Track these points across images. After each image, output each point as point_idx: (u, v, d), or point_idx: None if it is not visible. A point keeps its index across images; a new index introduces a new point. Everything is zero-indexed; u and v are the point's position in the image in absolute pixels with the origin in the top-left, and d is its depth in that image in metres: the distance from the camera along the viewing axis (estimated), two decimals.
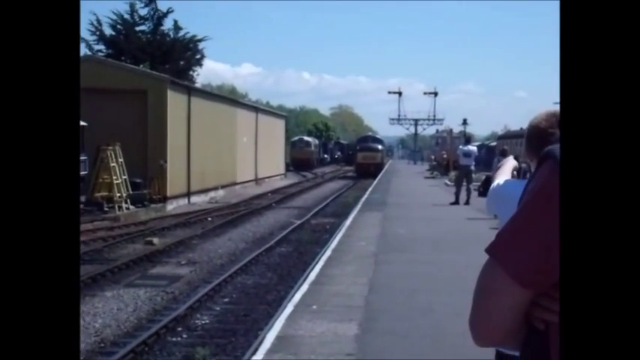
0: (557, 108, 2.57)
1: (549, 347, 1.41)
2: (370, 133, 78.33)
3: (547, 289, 1.40)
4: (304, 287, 9.82)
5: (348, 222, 18.67)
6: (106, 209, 24.22)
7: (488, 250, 1.45)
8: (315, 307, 8.58)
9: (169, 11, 46.95)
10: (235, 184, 40.58)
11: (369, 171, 53.31)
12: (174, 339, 10.14)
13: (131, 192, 25.71)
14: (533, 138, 2.74)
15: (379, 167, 56.19)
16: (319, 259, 12.57)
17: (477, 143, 62.31)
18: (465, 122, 51.57)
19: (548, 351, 1.41)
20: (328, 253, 13.06)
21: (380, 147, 59.84)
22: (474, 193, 23.79)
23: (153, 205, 27.15)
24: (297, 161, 70.47)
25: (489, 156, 59.64)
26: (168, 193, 29.24)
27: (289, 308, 8.51)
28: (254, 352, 6.73)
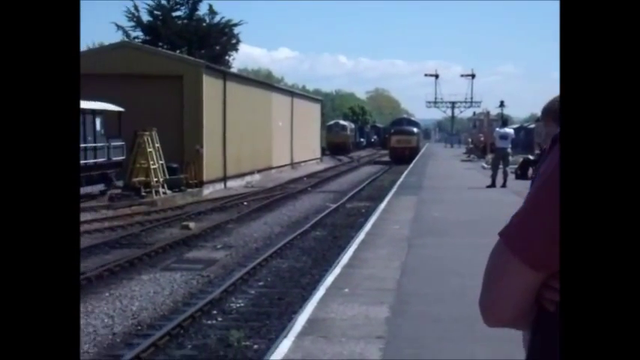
0: None
1: (559, 328, 1.41)
2: (405, 116, 77.11)
3: (558, 272, 1.40)
4: (337, 270, 9.85)
5: (382, 205, 18.64)
6: (143, 194, 24.51)
7: (501, 233, 1.45)
8: (347, 290, 8.60)
9: None
10: (271, 168, 40.76)
11: (403, 155, 50.52)
12: (209, 322, 10.26)
13: (168, 177, 25.97)
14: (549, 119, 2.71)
15: (415, 151, 52.91)
16: (353, 242, 12.58)
17: (515, 125, 61.70)
18: (502, 104, 51.01)
19: (557, 332, 1.41)
20: (362, 236, 13.07)
21: (415, 130, 56.44)
22: (511, 176, 23.64)
23: (189, 190, 27.41)
24: (333, 145, 70.43)
25: (528, 138, 59.02)
26: (205, 178, 29.49)
27: (321, 291, 8.55)
28: (285, 336, 6.78)
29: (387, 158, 55.77)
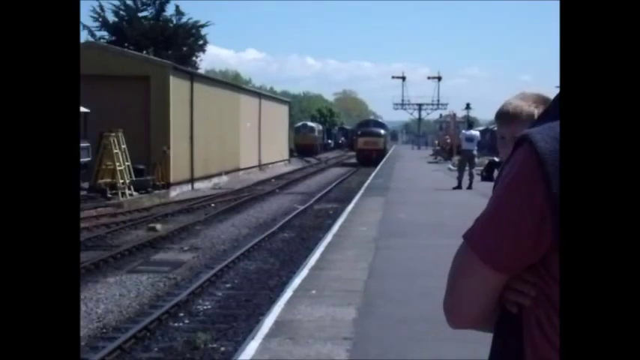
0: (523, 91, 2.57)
1: (522, 330, 1.43)
2: (372, 117, 76.75)
3: (520, 273, 1.42)
4: (304, 272, 9.86)
5: (350, 207, 18.69)
6: (109, 196, 24.27)
7: (464, 235, 1.47)
8: (314, 291, 8.62)
9: None
10: (239, 169, 40.62)
11: (370, 157, 49.74)
12: (175, 324, 10.20)
13: (134, 178, 25.74)
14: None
15: (382, 153, 52.30)
16: (320, 244, 12.60)
17: (480, 128, 62.20)
18: (468, 107, 51.45)
19: (520, 333, 1.43)
20: (329, 238, 13.09)
21: (382, 131, 55.60)
22: (477, 178, 23.84)
23: (156, 192, 27.20)
24: (301, 147, 70.46)
25: (493, 140, 59.55)
26: (172, 180, 29.29)
27: (288, 293, 8.56)
28: (252, 338, 6.76)
29: (354, 160, 55.21)
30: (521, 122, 2.33)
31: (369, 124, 58.35)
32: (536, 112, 2.33)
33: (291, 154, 62.52)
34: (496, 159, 28.32)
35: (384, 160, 48.01)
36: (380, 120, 66.21)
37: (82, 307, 10.95)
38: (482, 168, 26.94)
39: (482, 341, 1.58)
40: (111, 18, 45.26)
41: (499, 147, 2.61)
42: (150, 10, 46.59)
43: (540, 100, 2.39)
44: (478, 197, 18.01)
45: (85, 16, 46.99)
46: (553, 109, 1.44)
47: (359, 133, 55.74)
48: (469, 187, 22.12)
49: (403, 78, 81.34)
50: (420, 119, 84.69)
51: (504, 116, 2.51)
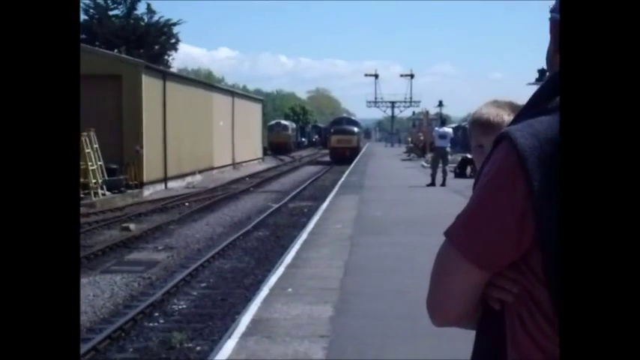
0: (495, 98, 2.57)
1: (504, 327, 1.44)
2: (345, 115, 76.66)
3: (503, 270, 1.43)
4: (280, 270, 9.86)
5: (324, 205, 18.72)
6: (81, 195, 24.04)
7: (446, 233, 1.47)
8: (290, 290, 8.62)
9: None
10: (212, 168, 40.48)
11: (344, 156, 49.20)
12: (150, 324, 10.14)
13: (107, 178, 25.54)
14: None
15: (355, 151, 51.78)
16: (296, 242, 12.60)
17: (453, 125, 62.51)
18: (440, 104, 51.71)
19: (503, 330, 1.44)
20: (305, 236, 13.10)
21: (356, 129, 55.20)
22: (450, 175, 23.99)
23: (129, 191, 27.01)
24: (275, 145, 70.39)
25: (465, 137, 59.93)
26: (145, 179, 29.10)
27: (265, 292, 8.55)
28: (229, 337, 6.75)
29: (328, 158, 54.76)
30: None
31: (342, 122, 57.84)
32: None
33: (265, 152, 62.45)
34: (469, 156, 28.53)
35: (358, 157, 48.03)
36: (353, 118, 65.89)
37: (80, 320, 10.84)
38: (455, 165, 27.11)
39: (458, 338, 1.59)
40: (81, 16, 44.88)
41: (475, 155, 2.55)
42: (121, 9, 46.37)
43: (515, 108, 2.39)
44: (452, 194, 18.13)
45: None
46: (529, 108, 1.45)
47: (332, 130, 55.01)
48: (442, 184, 22.24)
49: (376, 76, 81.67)
50: (393, 117, 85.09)
51: (485, 125, 2.47)
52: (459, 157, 28.63)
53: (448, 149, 23.41)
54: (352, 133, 53.59)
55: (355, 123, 58.40)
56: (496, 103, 2.51)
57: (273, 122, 76.52)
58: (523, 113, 1.46)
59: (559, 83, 1.32)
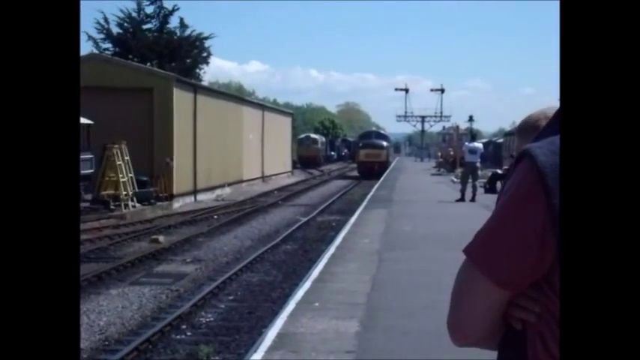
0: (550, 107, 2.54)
1: (526, 347, 1.41)
2: (374, 129, 75.87)
3: (524, 290, 1.40)
4: (307, 284, 9.83)
5: (353, 219, 18.67)
6: (112, 207, 24.28)
7: (465, 251, 1.45)
8: (317, 304, 8.59)
9: (175, 9, 46.96)
10: (242, 181, 40.63)
11: (372, 170, 48.01)
12: (178, 337, 10.17)
13: (137, 190, 25.76)
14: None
15: (384, 166, 50.47)
16: (323, 256, 12.57)
17: (483, 140, 62.20)
18: (471, 119, 51.47)
19: (525, 350, 1.41)
20: (332, 250, 13.07)
21: (385, 143, 53.73)
22: (480, 190, 23.82)
23: (159, 203, 27.21)
24: (304, 159, 70.50)
25: (496, 153, 59.51)
26: (175, 191, 29.30)
27: (291, 305, 8.53)
28: (255, 350, 6.74)
29: (357, 172, 53.83)
30: None
31: (370, 136, 56.42)
32: None
33: (294, 165, 62.53)
34: (499, 171, 28.33)
35: (387, 172, 47.63)
36: (382, 131, 64.66)
37: (85, 319, 10.93)
38: (485, 180, 26.92)
39: (487, 355, 1.56)
40: (115, 30, 45.45)
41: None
42: (154, 23, 46.79)
43: None
44: (481, 209, 17.97)
45: (90, 28, 47.23)
46: (551, 125, 1.44)
47: (360, 145, 53.91)
48: (472, 200, 22.09)
49: (406, 90, 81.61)
50: (423, 131, 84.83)
51: (521, 130, 2.41)
52: (489, 173, 28.45)
53: (478, 164, 23.28)
54: (381, 147, 52.36)
55: (384, 137, 57.12)
56: (547, 112, 2.47)
57: (302, 136, 76.69)
58: (545, 130, 1.44)
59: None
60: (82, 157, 24.93)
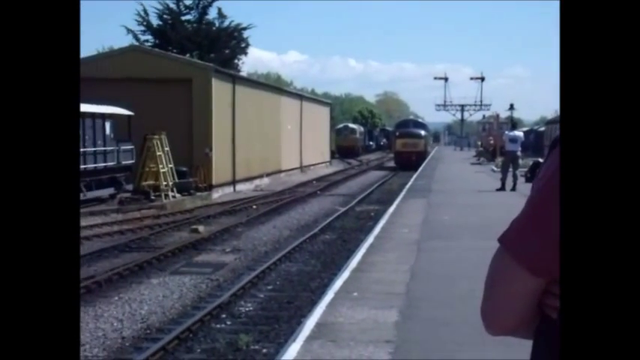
0: None
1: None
2: (412, 117, 74.20)
3: (559, 277, 1.38)
4: (346, 274, 9.83)
5: (391, 209, 18.61)
6: (152, 198, 24.56)
7: (500, 239, 1.43)
8: (356, 294, 8.58)
9: (213, 0, 47.22)
10: (280, 171, 40.78)
11: (410, 161, 45.40)
12: (218, 326, 10.25)
13: (177, 180, 26.01)
14: None
15: (422, 156, 47.69)
16: (362, 246, 12.56)
17: (525, 128, 61.51)
18: (511, 107, 50.83)
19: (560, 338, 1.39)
20: (371, 240, 13.04)
21: (423, 132, 50.74)
22: (521, 179, 23.55)
23: (198, 194, 27.44)
24: (343, 149, 70.50)
25: (537, 141, 58.77)
26: (214, 182, 29.53)
27: (330, 295, 8.53)
28: (294, 340, 6.76)
29: (394, 163, 51.35)
30: None
31: (408, 125, 53.38)
32: None
33: (333, 155, 62.54)
34: (540, 160, 27.97)
35: (426, 162, 46.75)
36: (420, 120, 62.05)
37: (127, 308, 11.09)
38: (526, 169, 26.60)
39: (526, 344, 1.53)
40: (155, 22, 45.85)
41: None
42: (193, 14, 47.11)
43: None
44: (522, 199, 17.66)
45: (130, 20, 47.71)
46: None
47: (397, 134, 51.14)
48: (513, 189, 21.86)
49: (445, 79, 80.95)
50: (462, 120, 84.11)
51: None
52: (530, 162, 28.11)
53: (519, 153, 23.01)
54: (419, 136, 49.66)
55: (422, 125, 54.25)
56: None
57: (341, 126, 76.68)
58: None
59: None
60: (123, 147, 25.29)
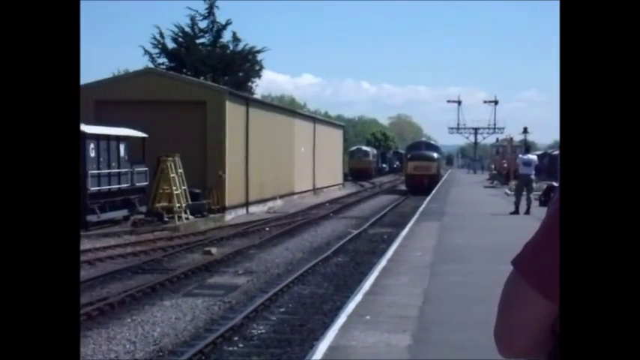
0: None
1: None
2: (424, 139, 73.31)
3: None
4: (358, 297, 9.79)
5: (404, 232, 18.55)
6: (166, 219, 24.62)
7: (513, 262, 1.43)
8: (368, 317, 8.54)
9: (228, 23, 47.64)
10: (293, 194, 40.81)
11: (422, 184, 43.83)
12: (230, 348, 10.22)
13: (190, 202, 26.07)
14: None
15: (434, 180, 46.13)
16: (375, 269, 12.51)
17: (538, 152, 61.23)
18: (525, 131, 50.69)
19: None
20: (384, 263, 13.00)
21: (435, 155, 49.14)
22: (535, 203, 23.45)
23: (212, 216, 27.49)
24: (356, 171, 70.47)
25: (551, 165, 58.54)
26: (227, 204, 29.57)
27: (342, 318, 8.49)
28: None
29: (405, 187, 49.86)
30: None
31: (420, 147, 51.69)
32: None
33: (346, 178, 62.53)
34: (554, 184, 27.85)
35: (439, 184, 46.27)
36: (433, 142, 59.96)
37: (139, 330, 11.08)
38: (540, 193, 26.49)
39: None
40: (170, 44, 46.22)
41: None
42: (207, 37, 47.50)
43: None
44: (536, 222, 17.59)
45: (146, 42, 48.08)
46: None
47: (409, 156, 49.35)
48: (527, 212, 21.76)
49: (459, 102, 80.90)
50: (475, 143, 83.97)
51: None
52: (544, 185, 27.98)
53: (533, 177, 22.95)
54: (431, 159, 47.93)
55: (435, 148, 52.54)
56: None
57: (354, 148, 76.73)
58: None
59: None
60: (137, 169, 25.41)
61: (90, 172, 22.16)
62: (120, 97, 28.97)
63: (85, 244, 19.48)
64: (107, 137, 23.84)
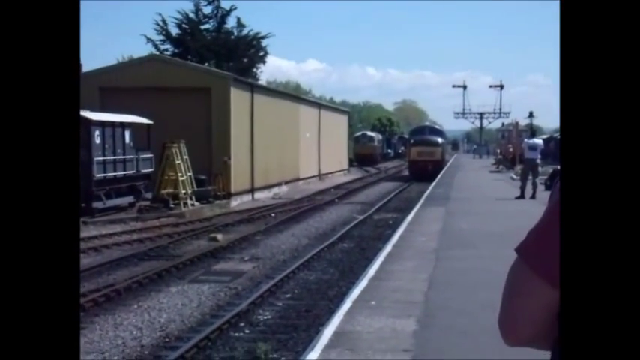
0: None
1: None
2: (428, 123, 71.97)
3: None
4: (364, 283, 9.81)
5: (410, 217, 18.56)
6: (171, 206, 24.66)
7: (517, 249, 1.42)
8: (374, 302, 8.56)
9: (232, 9, 47.48)
10: (298, 179, 40.81)
11: (425, 171, 42.16)
12: (236, 334, 10.27)
13: (196, 189, 26.10)
14: None
15: (439, 166, 44.39)
16: (380, 254, 12.53)
17: (544, 136, 61.03)
18: (531, 115, 50.49)
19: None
20: (389, 248, 13.01)
21: (440, 140, 47.09)
22: (541, 187, 23.39)
23: (217, 202, 27.51)
24: (361, 156, 70.43)
25: (557, 149, 58.34)
26: (232, 190, 29.60)
27: (348, 304, 8.51)
28: (312, 348, 6.75)
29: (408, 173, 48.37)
30: None
31: (424, 132, 49.41)
32: None
33: (351, 163, 62.48)
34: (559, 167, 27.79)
35: (444, 170, 45.54)
36: (437, 127, 57.83)
37: (146, 316, 11.13)
38: (545, 177, 26.43)
39: (545, 355, 1.53)
40: (174, 31, 46.13)
41: None
42: (211, 23, 47.37)
43: None
44: (541, 207, 17.57)
45: (149, 30, 47.99)
46: None
47: (412, 141, 47.21)
48: (532, 197, 21.72)
49: (464, 87, 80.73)
50: (481, 128, 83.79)
51: None
52: (549, 170, 27.91)
53: (538, 161, 22.87)
54: (435, 144, 46.03)
55: (439, 132, 50.31)
56: None
57: (359, 134, 76.64)
58: None
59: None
60: (142, 156, 25.43)
61: (95, 159, 22.18)
62: (125, 84, 28.96)
63: (91, 231, 19.55)
64: (112, 124, 23.85)
